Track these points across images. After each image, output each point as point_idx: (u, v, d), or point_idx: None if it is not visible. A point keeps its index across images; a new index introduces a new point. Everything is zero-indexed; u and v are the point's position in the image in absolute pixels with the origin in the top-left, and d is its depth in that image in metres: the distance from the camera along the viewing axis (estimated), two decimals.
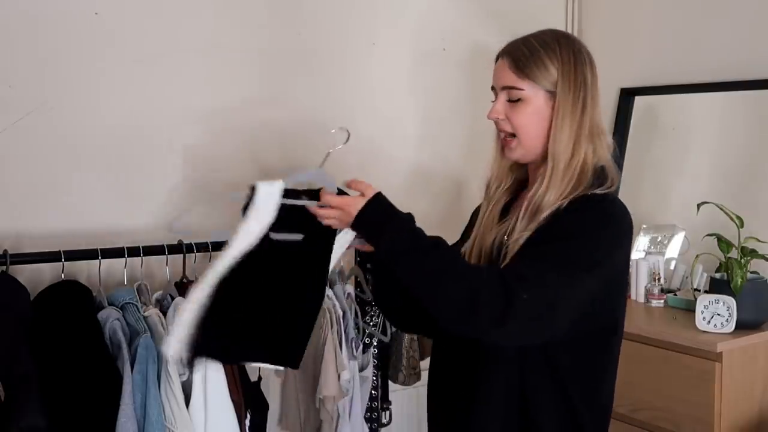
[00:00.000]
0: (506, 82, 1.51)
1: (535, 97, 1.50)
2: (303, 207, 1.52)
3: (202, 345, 1.48)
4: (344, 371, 2.07)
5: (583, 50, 1.54)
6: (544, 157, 1.52)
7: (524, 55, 1.51)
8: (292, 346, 1.52)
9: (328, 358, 2.06)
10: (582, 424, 1.49)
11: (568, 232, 1.44)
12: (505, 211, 1.59)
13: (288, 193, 1.50)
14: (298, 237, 1.53)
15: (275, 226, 1.52)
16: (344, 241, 1.53)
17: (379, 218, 1.45)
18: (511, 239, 1.47)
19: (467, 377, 1.51)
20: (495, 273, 1.39)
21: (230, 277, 1.49)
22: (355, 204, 1.45)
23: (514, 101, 1.51)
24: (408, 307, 1.56)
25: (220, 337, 1.51)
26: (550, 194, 1.46)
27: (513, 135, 1.53)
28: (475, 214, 1.68)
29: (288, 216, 1.52)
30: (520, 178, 1.62)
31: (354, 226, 1.46)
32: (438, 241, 1.45)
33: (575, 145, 1.50)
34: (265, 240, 1.51)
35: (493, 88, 1.57)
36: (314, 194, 1.52)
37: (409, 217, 1.47)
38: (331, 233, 1.53)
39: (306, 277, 1.54)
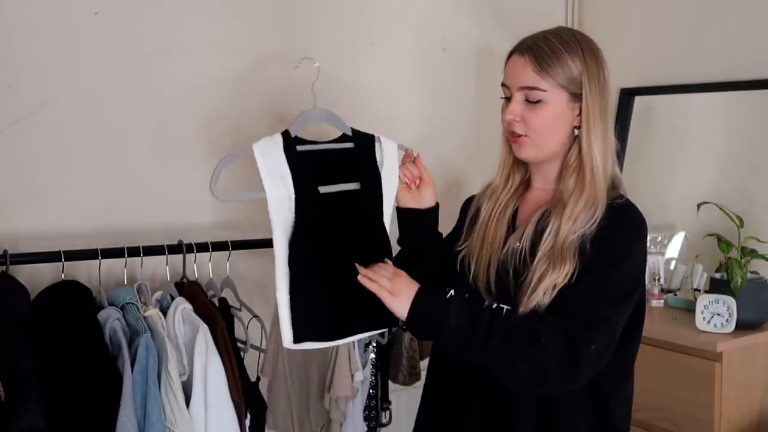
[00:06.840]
0: (526, 82, 1.42)
1: (557, 99, 1.42)
2: (345, 153, 1.43)
3: (305, 330, 1.43)
4: (358, 372, 2.07)
5: (599, 50, 1.47)
6: (550, 158, 1.48)
7: (546, 53, 1.41)
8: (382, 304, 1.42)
9: (342, 358, 2.05)
10: (611, 417, 1.50)
11: (614, 257, 1.39)
12: (513, 216, 1.54)
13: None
14: (355, 185, 1.44)
15: (318, 180, 1.42)
16: (392, 184, 1.47)
17: (435, 311, 1.38)
18: (538, 266, 1.40)
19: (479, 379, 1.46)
20: (557, 332, 1.34)
21: (301, 251, 1.41)
22: (403, 286, 1.38)
23: (533, 102, 1.43)
24: None
25: (318, 317, 1.43)
26: (578, 217, 1.41)
27: (525, 134, 1.45)
28: (466, 207, 1.63)
29: (330, 166, 1.42)
30: (524, 177, 1.57)
31: (410, 312, 1.38)
32: (492, 315, 1.38)
33: (606, 152, 1.45)
34: (317, 197, 1.41)
35: (504, 85, 1.48)
36: (352, 138, 1.44)
37: (460, 300, 1.41)
38: (377, 176, 1.45)
39: (374, 228, 1.45)
